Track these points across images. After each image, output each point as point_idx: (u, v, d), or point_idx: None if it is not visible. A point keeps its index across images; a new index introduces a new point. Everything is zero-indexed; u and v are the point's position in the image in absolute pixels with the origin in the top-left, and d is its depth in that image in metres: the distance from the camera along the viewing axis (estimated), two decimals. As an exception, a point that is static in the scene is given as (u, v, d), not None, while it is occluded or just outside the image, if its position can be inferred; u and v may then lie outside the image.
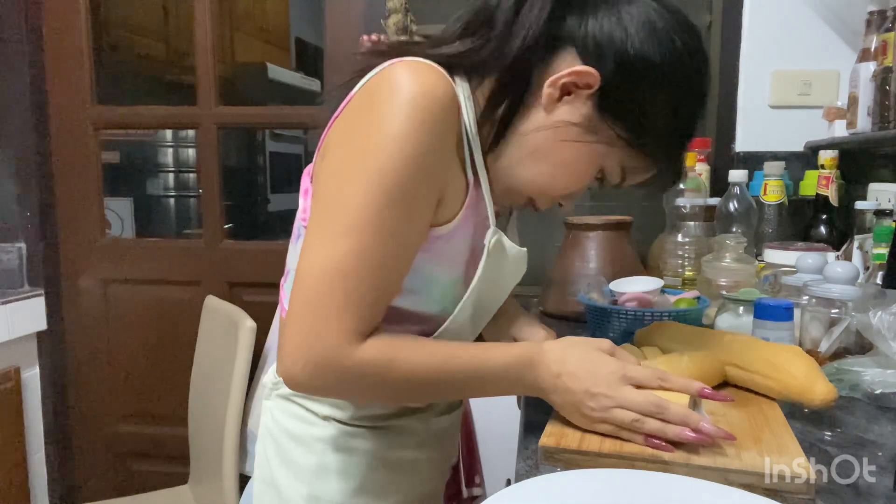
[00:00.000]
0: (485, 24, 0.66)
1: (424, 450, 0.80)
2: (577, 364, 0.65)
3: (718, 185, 1.59)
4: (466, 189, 0.66)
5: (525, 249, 0.75)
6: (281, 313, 0.74)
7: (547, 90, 0.64)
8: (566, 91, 0.64)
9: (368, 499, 0.74)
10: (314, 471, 0.73)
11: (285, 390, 0.76)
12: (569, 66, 0.63)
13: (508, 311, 0.90)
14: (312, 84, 3.13)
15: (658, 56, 0.62)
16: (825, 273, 0.92)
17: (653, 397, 0.63)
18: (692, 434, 0.61)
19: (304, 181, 0.71)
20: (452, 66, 0.65)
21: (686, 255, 1.35)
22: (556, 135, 0.65)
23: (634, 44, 0.62)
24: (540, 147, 0.66)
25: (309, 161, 0.72)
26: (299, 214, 0.71)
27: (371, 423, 0.74)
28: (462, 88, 0.65)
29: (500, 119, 0.66)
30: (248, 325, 1.51)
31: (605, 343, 0.68)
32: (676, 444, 0.62)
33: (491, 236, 0.68)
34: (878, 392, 0.79)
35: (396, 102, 0.58)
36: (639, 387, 0.65)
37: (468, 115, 0.65)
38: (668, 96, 0.64)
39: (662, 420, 0.62)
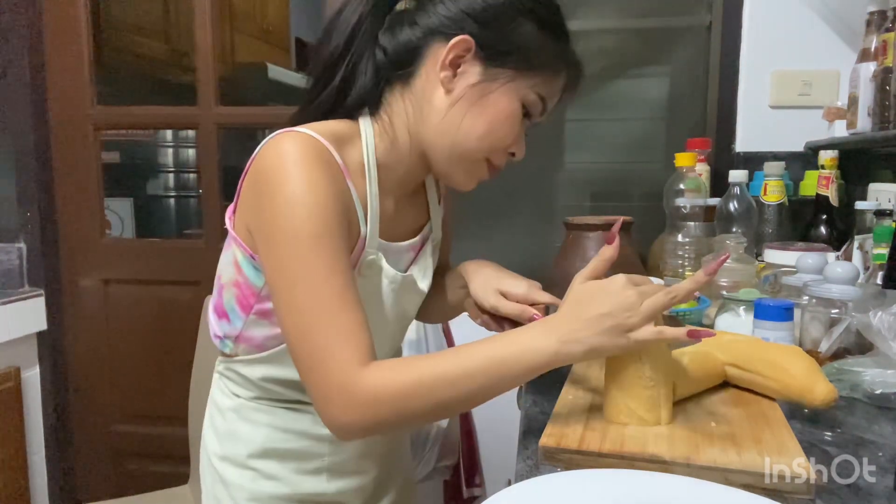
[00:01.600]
0: (333, 66, 0.77)
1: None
2: (590, 295, 0.67)
3: (718, 185, 1.59)
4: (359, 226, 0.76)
5: (410, 275, 0.84)
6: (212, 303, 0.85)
7: (441, 76, 0.73)
8: (456, 66, 0.73)
9: (269, 461, 0.83)
10: (225, 434, 0.86)
11: (221, 366, 0.88)
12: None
13: (485, 271, 0.90)
14: (312, 84, 3.11)
15: (512, 10, 0.73)
16: (825, 273, 0.92)
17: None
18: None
19: (227, 219, 0.80)
20: (350, 109, 0.77)
21: (686, 256, 1.35)
22: (469, 101, 0.74)
23: (487, 5, 0.73)
24: (465, 117, 0.74)
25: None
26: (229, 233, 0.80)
27: (268, 403, 0.84)
28: (364, 125, 0.77)
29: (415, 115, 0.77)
30: (248, 325, 1.50)
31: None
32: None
33: (365, 257, 0.77)
34: (878, 392, 0.79)
35: (281, 168, 0.68)
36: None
37: (369, 149, 0.76)
38: (528, 16, 0.73)
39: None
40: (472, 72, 0.73)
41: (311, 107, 0.79)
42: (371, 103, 0.78)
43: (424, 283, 0.88)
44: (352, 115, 0.78)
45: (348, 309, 0.66)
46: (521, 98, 0.74)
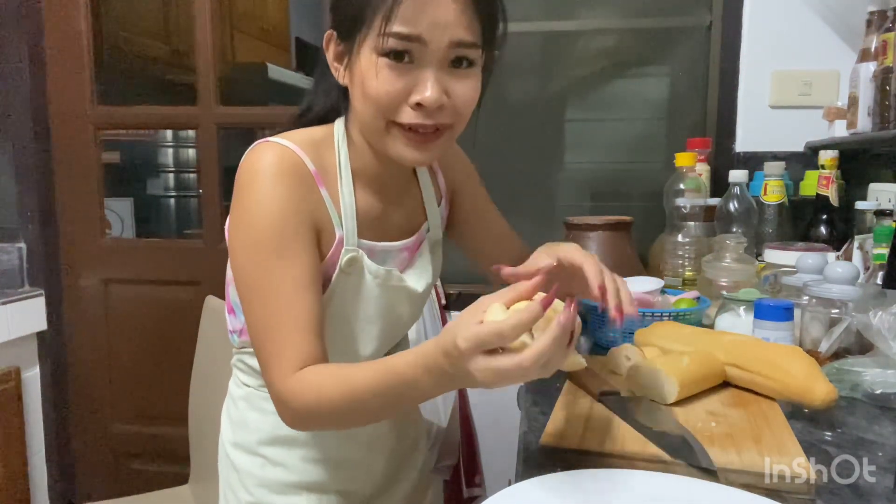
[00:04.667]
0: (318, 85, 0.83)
1: None
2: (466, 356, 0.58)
3: (719, 185, 1.59)
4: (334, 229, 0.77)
5: (394, 270, 0.82)
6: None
7: (338, 74, 0.76)
8: (339, 60, 0.75)
9: (277, 448, 0.86)
10: (238, 422, 0.89)
11: (234, 358, 0.91)
12: None
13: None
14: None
15: None
16: (825, 273, 0.92)
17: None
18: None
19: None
20: (324, 118, 0.81)
21: (686, 256, 1.35)
22: (350, 82, 0.74)
23: None
24: (354, 97, 0.74)
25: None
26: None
27: None
28: (337, 128, 0.80)
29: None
30: (248, 325, 1.50)
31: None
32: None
33: (344, 255, 0.77)
34: (878, 392, 0.79)
35: (251, 178, 0.72)
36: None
37: (340, 152, 0.78)
38: None
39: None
40: (343, 57, 0.74)
41: (302, 119, 0.83)
42: (341, 108, 0.80)
43: (420, 284, 0.87)
44: (330, 119, 0.81)
45: (293, 318, 0.69)
46: (373, 50, 0.69)
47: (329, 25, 0.76)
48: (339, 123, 0.81)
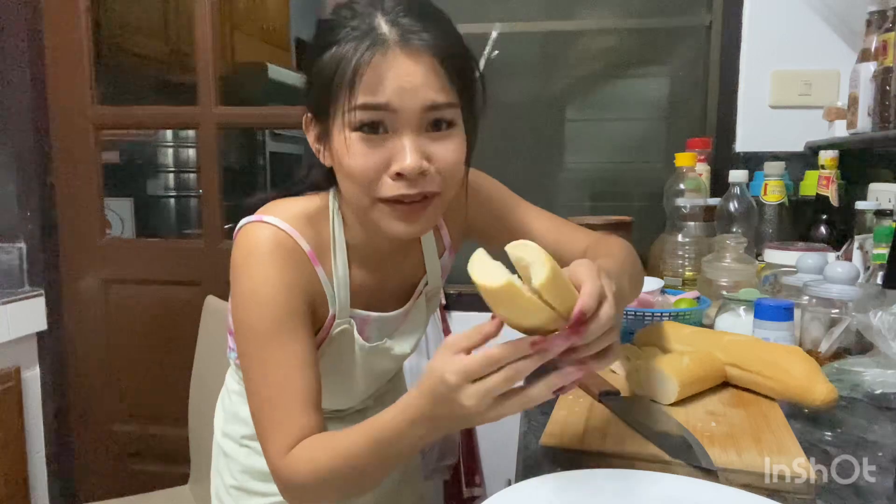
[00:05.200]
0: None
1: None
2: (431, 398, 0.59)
3: (719, 185, 1.59)
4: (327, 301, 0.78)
5: (381, 344, 0.84)
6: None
7: (321, 156, 0.74)
8: (320, 141, 0.73)
9: None
10: (231, 414, 0.93)
11: (232, 354, 0.91)
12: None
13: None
14: (313, 84, 3.11)
15: (308, 63, 0.71)
16: (825, 273, 0.92)
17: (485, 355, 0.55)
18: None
19: None
20: (322, 185, 0.80)
21: (686, 255, 1.35)
22: (332, 162, 0.72)
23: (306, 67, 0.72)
24: (338, 177, 0.73)
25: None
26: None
27: None
28: (332, 202, 0.79)
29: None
30: (248, 325, 1.50)
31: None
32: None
33: (336, 328, 0.79)
34: (878, 392, 0.79)
35: (246, 261, 0.73)
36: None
37: (335, 226, 0.78)
38: (311, 59, 0.71)
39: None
40: (321, 139, 0.73)
41: (299, 186, 0.83)
42: (331, 183, 0.78)
43: (408, 345, 0.88)
44: (328, 185, 0.80)
45: (290, 396, 0.70)
46: (345, 126, 0.67)
47: (305, 106, 0.75)
48: (332, 197, 0.80)
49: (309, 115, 0.74)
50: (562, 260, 0.76)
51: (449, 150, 0.69)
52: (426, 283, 0.88)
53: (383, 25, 0.66)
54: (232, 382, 0.95)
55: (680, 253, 1.36)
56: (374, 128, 0.66)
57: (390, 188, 0.67)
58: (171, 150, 2.73)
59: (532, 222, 0.90)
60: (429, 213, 0.71)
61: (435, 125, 0.68)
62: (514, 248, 0.53)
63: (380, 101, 0.65)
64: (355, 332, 0.81)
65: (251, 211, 0.78)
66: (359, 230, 0.79)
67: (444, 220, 0.87)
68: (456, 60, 0.68)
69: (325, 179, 0.79)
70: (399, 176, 0.67)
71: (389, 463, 0.66)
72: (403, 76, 0.65)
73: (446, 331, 1.76)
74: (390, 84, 0.65)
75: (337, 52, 0.67)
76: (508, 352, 0.53)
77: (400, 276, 0.86)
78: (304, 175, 0.83)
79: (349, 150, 0.67)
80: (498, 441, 1.83)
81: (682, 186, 1.40)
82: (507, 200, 0.91)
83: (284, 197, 0.79)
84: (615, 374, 0.88)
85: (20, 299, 1.85)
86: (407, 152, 0.66)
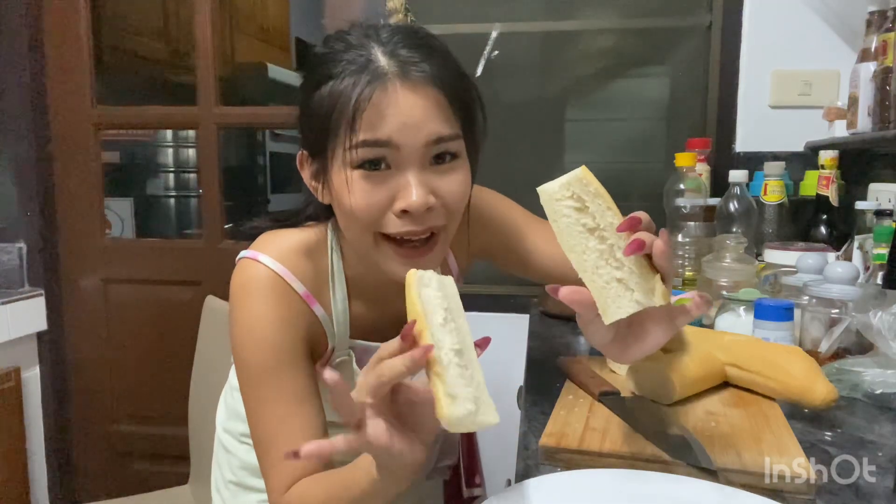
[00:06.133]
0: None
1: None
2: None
3: (718, 185, 1.59)
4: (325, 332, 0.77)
5: None
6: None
7: (318, 193, 0.73)
8: (317, 179, 0.72)
9: None
10: (232, 411, 0.94)
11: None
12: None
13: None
14: (312, 84, 3.11)
15: (302, 99, 0.71)
16: (825, 273, 0.92)
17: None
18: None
19: None
20: (315, 218, 0.79)
21: (686, 255, 1.35)
22: (330, 199, 0.71)
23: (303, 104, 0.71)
24: (337, 214, 0.71)
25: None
26: None
27: None
28: (331, 234, 0.78)
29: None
30: (248, 325, 1.50)
31: None
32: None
33: (334, 360, 0.79)
34: (878, 392, 0.79)
35: (243, 300, 0.73)
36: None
37: (333, 259, 0.77)
38: (306, 94, 0.70)
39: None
40: (318, 176, 0.71)
41: (299, 217, 0.82)
42: (330, 214, 0.77)
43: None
44: (321, 219, 0.79)
45: (289, 433, 0.71)
46: (345, 164, 0.65)
47: (299, 143, 0.73)
48: (330, 230, 0.78)
49: (304, 152, 0.72)
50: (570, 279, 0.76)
51: (454, 183, 0.67)
52: None
53: (381, 58, 0.64)
54: (234, 379, 0.96)
55: (680, 253, 1.36)
56: (377, 164, 0.64)
57: (395, 225, 0.66)
58: (171, 150, 2.73)
59: (539, 242, 0.87)
60: (435, 252, 0.70)
61: (438, 158, 0.66)
62: None
63: (381, 137, 0.63)
64: (353, 364, 0.80)
65: (250, 238, 0.77)
66: (358, 265, 0.78)
67: (451, 246, 0.84)
68: (457, 90, 0.67)
69: (324, 212, 0.78)
70: (404, 213, 0.65)
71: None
72: (405, 111, 0.63)
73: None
74: (392, 120, 0.63)
75: (334, 89, 0.64)
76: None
77: (403, 304, 0.84)
78: (302, 209, 0.82)
79: (351, 189, 0.65)
80: (498, 441, 1.83)
81: (682, 186, 1.40)
82: (514, 220, 0.88)
83: (283, 227, 0.78)
84: (615, 374, 0.88)
85: (20, 299, 1.85)
86: (412, 189, 0.64)
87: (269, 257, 0.73)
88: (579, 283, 0.68)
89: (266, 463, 0.72)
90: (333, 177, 0.67)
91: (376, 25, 0.68)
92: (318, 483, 0.69)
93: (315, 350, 0.78)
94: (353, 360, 0.81)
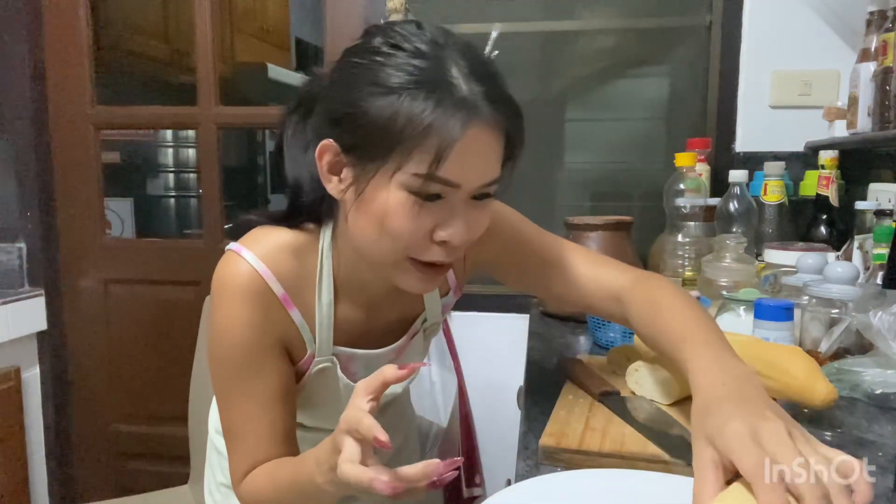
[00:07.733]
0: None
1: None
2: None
3: (718, 185, 1.59)
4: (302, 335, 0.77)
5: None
6: None
7: (328, 186, 0.68)
8: (336, 172, 0.67)
9: None
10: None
11: None
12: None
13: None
14: (313, 84, 3.11)
15: (351, 91, 0.63)
16: (825, 273, 0.92)
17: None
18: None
19: None
20: (312, 215, 0.75)
21: (686, 256, 1.35)
22: (352, 205, 0.66)
23: (335, 99, 0.66)
24: (356, 222, 0.67)
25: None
26: None
27: None
28: (324, 235, 0.75)
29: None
30: (248, 325, 1.50)
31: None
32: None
33: (315, 366, 0.79)
34: (878, 392, 0.79)
35: (220, 295, 0.73)
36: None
37: (324, 261, 0.75)
38: (372, 92, 0.61)
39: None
40: (346, 174, 0.66)
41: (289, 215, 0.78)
42: (325, 214, 0.75)
43: (398, 385, 0.83)
44: (318, 220, 0.76)
45: (254, 432, 0.74)
46: (401, 185, 0.62)
47: (324, 132, 0.66)
48: (326, 233, 0.76)
49: (336, 146, 0.65)
50: (582, 301, 0.81)
51: (484, 219, 0.68)
52: (424, 320, 0.86)
53: (462, 85, 0.60)
54: None
55: (680, 253, 1.36)
56: (434, 197, 0.63)
57: (431, 253, 0.66)
58: (171, 150, 2.74)
59: (555, 255, 0.84)
60: (446, 272, 0.72)
61: (479, 196, 0.66)
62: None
63: (453, 180, 0.62)
64: (338, 371, 0.79)
65: (244, 229, 0.76)
66: (353, 269, 0.75)
67: None
68: (515, 134, 0.66)
69: (325, 214, 0.75)
70: (444, 243, 0.65)
71: (313, 499, 0.68)
72: (482, 158, 0.63)
73: (447, 331, 1.76)
74: (468, 166, 0.62)
75: (411, 107, 0.59)
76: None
77: (394, 312, 0.83)
78: (297, 209, 0.76)
79: (396, 209, 0.62)
80: (498, 441, 1.83)
81: (682, 186, 1.40)
82: (519, 232, 0.85)
83: (279, 224, 0.75)
84: (615, 374, 0.88)
85: (20, 299, 1.85)
86: (459, 224, 0.64)
87: (253, 254, 0.72)
88: (587, 306, 0.80)
89: (230, 454, 0.76)
90: (380, 191, 0.63)
91: (439, 29, 0.65)
92: (273, 466, 0.73)
93: (293, 353, 0.77)
94: (338, 367, 0.79)
